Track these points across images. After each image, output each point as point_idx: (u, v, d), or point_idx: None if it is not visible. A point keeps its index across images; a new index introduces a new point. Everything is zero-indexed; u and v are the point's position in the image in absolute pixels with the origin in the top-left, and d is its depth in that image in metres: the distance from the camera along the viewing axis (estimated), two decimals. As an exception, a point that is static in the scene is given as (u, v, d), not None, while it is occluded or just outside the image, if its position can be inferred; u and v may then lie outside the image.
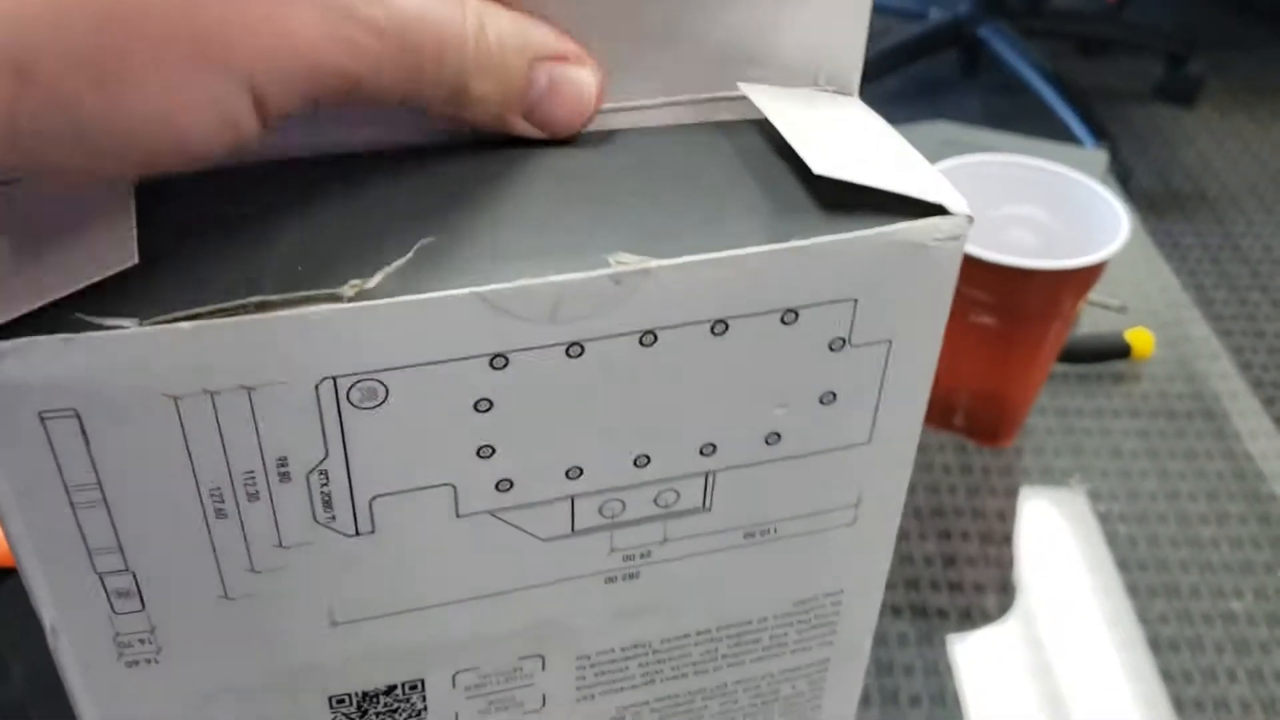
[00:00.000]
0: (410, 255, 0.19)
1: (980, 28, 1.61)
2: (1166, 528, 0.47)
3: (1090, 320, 0.59)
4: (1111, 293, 0.59)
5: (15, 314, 0.18)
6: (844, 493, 0.25)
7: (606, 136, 0.23)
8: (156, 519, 0.20)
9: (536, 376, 0.20)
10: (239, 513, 0.20)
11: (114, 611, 0.21)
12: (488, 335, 0.19)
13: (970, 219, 0.21)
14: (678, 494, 0.23)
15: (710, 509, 0.24)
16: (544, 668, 0.26)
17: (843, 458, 0.24)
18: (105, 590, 0.21)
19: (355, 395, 0.20)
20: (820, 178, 0.21)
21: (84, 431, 0.19)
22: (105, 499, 0.20)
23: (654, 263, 0.20)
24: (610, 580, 0.24)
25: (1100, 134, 1.23)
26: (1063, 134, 1.37)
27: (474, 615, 0.24)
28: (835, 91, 0.24)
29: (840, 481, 0.24)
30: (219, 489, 0.20)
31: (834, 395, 0.23)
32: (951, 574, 0.46)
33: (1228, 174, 1.23)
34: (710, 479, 0.23)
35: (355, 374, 0.19)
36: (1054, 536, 0.48)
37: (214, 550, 0.21)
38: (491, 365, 0.20)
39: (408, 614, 0.23)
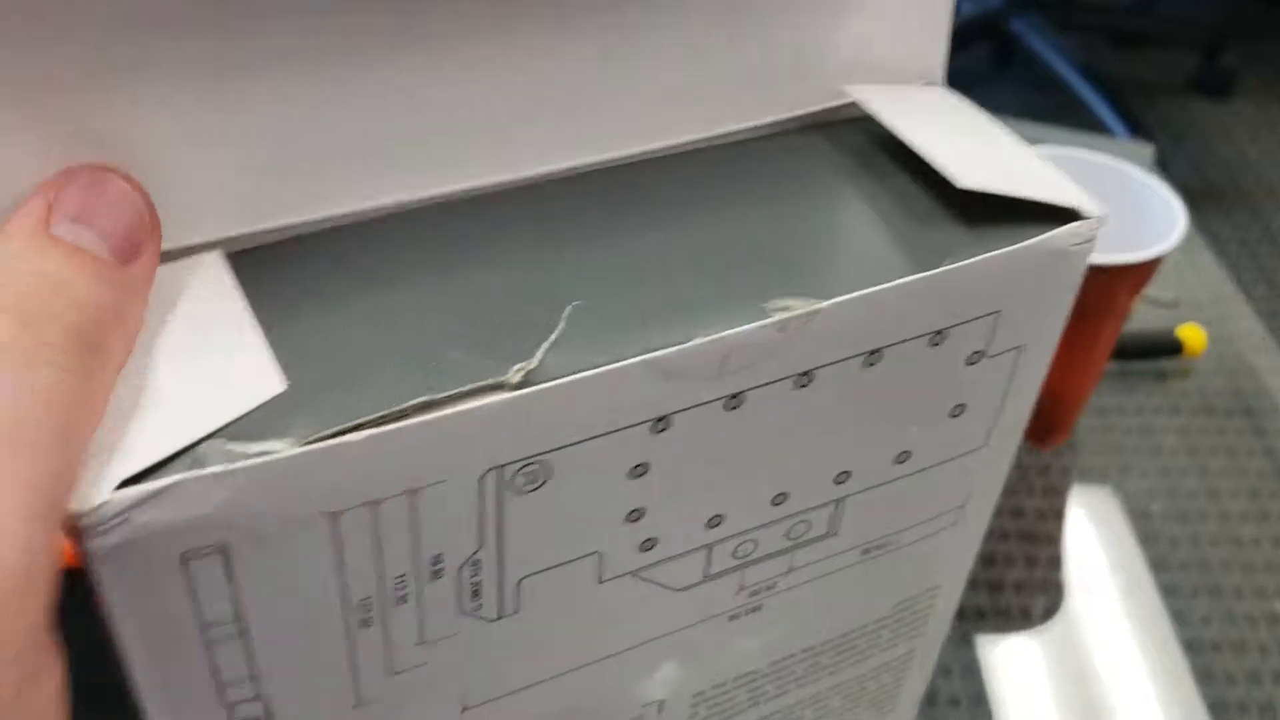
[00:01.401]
0: (563, 325, 0.18)
1: (1013, 21, 1.57)
2: (1207, 526, 0.47)
3: (1137, 316, 0.57)
4: (1160, 287, 0.57)
5: (152, 460, 0.15)
6: (956, 496, 0.24)
7: (705, 153, 0.21)
8: (297, 641, 0.18)
9: (694, 434, 0.19)
10: (384, 619, 0.18)
11: (239, 740, 0.19)
12: (653, 400, 0.18)
13: (1102, 219, 0.21)
14: (809, 525, 0.22)
15: (837, 533, 0.23)
16: (661, 711, 0.24)
17: (961, 464, 0.23)
18: (233, 720, 0.19)
19: (519, 481, 0.18)
20: (938, 181, 0.20)
21: (228, 567, 0.16)
22: (244, 632, 0.17)
23: (819, 305, 0.18)
24: (734, 617, 0.23)
25: (1135, 127, 1.20)
26: (1097, 128, 1.32)
27: (601, 675, 0.22)
28: (925, 83, 0.23)
29: (955, 486, 0.24)
30: (368, 599, 0.18)
31: (963, 407, 0.22)
32: (991, 574, 0.45)
33: (1264, 166, 1.19)
34: (840, 504, 0.22)
35: (520, 460, 0.17)
36: (1094, 536, 0.47)
37: (353, 660, 0.19)
38: (653, 430, 0.18)
39: (538, 685, 0.22)
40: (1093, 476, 0.50)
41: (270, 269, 0.18)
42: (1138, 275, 0.45)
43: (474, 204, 0.19)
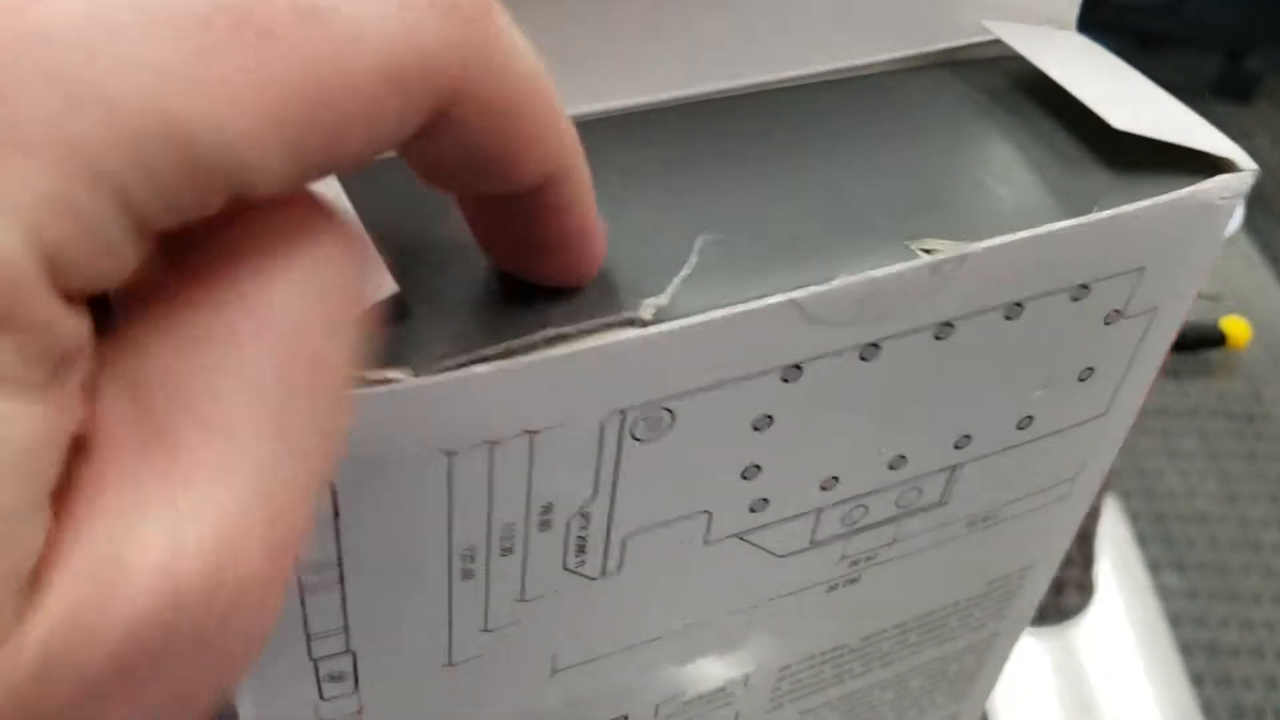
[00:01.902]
0: (695, 259, 0.16)
1: (1035, 19, 1.53)
2: (1227, 529, 0.46)
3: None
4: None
5: None
6: (1070, 467, 0.23)
7: (844, 84, 0.20)
8: (395, 592, 0.17)
9: (824, 385, 0.17)
10: (487, 572, 0.17)
11: (321, 698, 0.18)
12: (789, 344, 0.17)
13: (1256, 172, 0.19)
14: (920, 492, 0.21)
15: (946, 503, 0.21)
16: (746, 684, 0.23)
17: (1080, 433, 0.22)
18: (318, 676, 0.17)
19: (640, 428, 0.16)
20: (1084, 123, 0.18)
21: (335, 506, 0.15)
22: (342, 579, 0.16)
23: (972, 247, 0.17)
24: (831, 589, 0.22)
25: None
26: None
27: (692, 643, 0.21)
28: (1055, 25, 0.21)
29: (1070, 457, 0.22)
30: (472, 548, 0.17)
31: (1091, 371, 0.21)
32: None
33: (1285, 172, 1.24)
34: (955, 472, 0.21)
35: (644, 404, 0.16)
36: (1112, 536, 0.46)
37: (450, 615, 0.18)
38: (783, 378, 0.17)
39: (629, 650, 0.20)
40: (1113, 475, 0.49)
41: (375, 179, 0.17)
42: None
43: (602, 126, 0.18)
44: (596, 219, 0.15)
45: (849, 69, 0.20)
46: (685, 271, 0.16)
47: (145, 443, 0.10)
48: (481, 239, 0.15)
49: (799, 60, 0.20)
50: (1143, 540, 0.45)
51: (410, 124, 0.11)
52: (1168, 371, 0.54)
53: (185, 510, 0.10)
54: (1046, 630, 0.43)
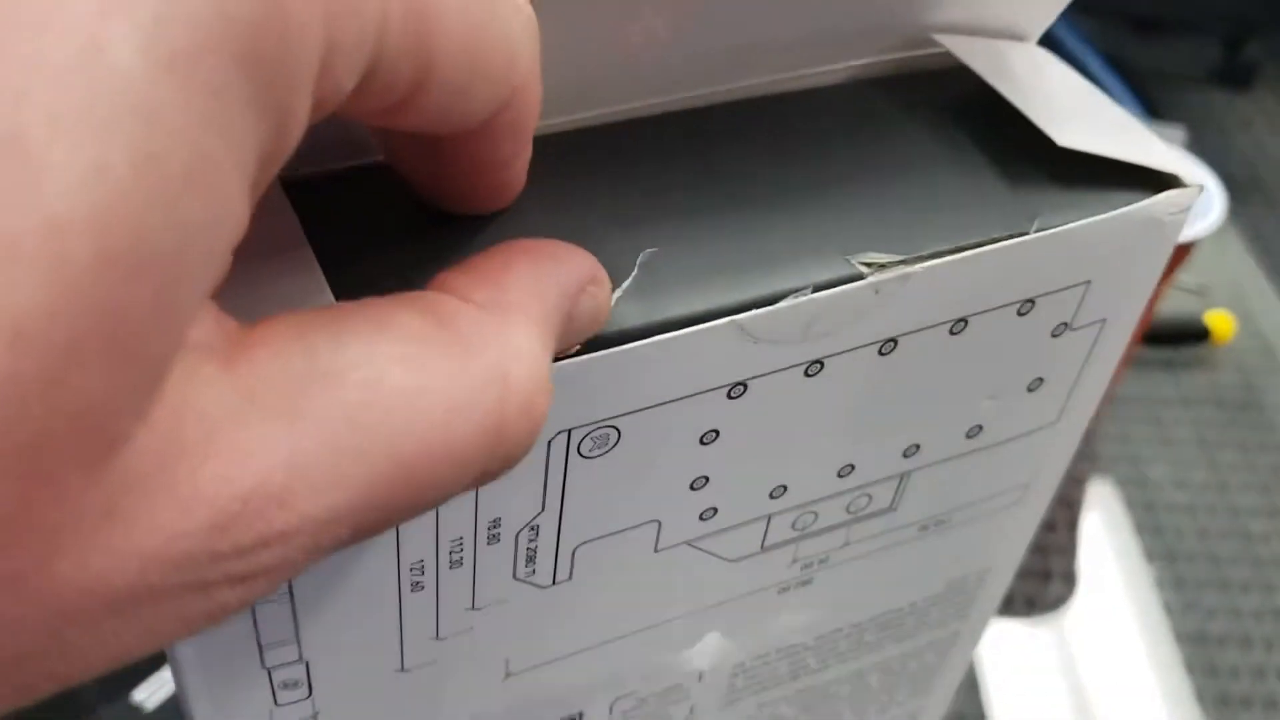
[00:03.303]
0: (636, 272, 0.16)
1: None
2: (1216, 520, 0.46)
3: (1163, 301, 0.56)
4: (1187, 273, 0.56)
5: None
6: (1021, 475, 0.23)
7: (791, 97, 0.20)
8: (344, 604, 0.17)
9: (770, 400, 0.18)
10: (436, 584, 0.17)
11: (276, 704, 0.18)
12: (734, 364, 0.17)
13: (1201, 188, 0.19)
14: (870, 498, 0.21)
15: (896, 509, 0.22)
16: (700, 680, 0.24)
17: (1031, 440, 0.22)
18: (271, 684, 0.18)
19: (586, 445, 0.17)
20: (1031, 138, 0.18)
21: (282, 523, 0.15)
22: (291, 592, 0.16)
23: (916, 267, 0.17)
24: (783, 590, 0.22)
25: (1155, 116, 1.17)
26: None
27: (646, 644, 0.21)
28: (1013, 39, 0.22)
29: (1021, 464, 0.23)
30: (420, 562, 0.17)
31: (1041, 380, 0.21)
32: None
33: (1284, 160, 1.21)
34: (904, 479, 0.21)
35: (591, 423, 0.16)
36: (1103, 526, 0.47)
37: (400, 624, 0.18)
38: (729, 395, 0.17)
39: (582, 653, 0.21)
40: (1103, 465, 0.49)
41: (330, 199, 0.17)
42: (1173, 258, 0.43)
43: (553, 140, 0.18)
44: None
45: (802, 76, 0.20)
46: (626, 284, 0.16)
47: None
48: (406, 168, 0.15)
49: (750, 71, 0.20)
50: (1133, 529, 0.46)
51: None
52: (1158, 362, 0.54)
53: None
54: (1035, 619, 0.43)
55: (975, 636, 0.28)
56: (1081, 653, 0.41)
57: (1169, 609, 0.43)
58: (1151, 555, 0.45)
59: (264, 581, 0.11)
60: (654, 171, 0.18)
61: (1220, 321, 0.55)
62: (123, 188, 0.08)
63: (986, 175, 0.19)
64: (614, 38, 0.18)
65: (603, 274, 0.15)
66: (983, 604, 0.27)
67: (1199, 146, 0.68)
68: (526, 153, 0.15)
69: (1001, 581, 0.27)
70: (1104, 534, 0.46)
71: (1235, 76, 1.30)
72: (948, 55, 0.20)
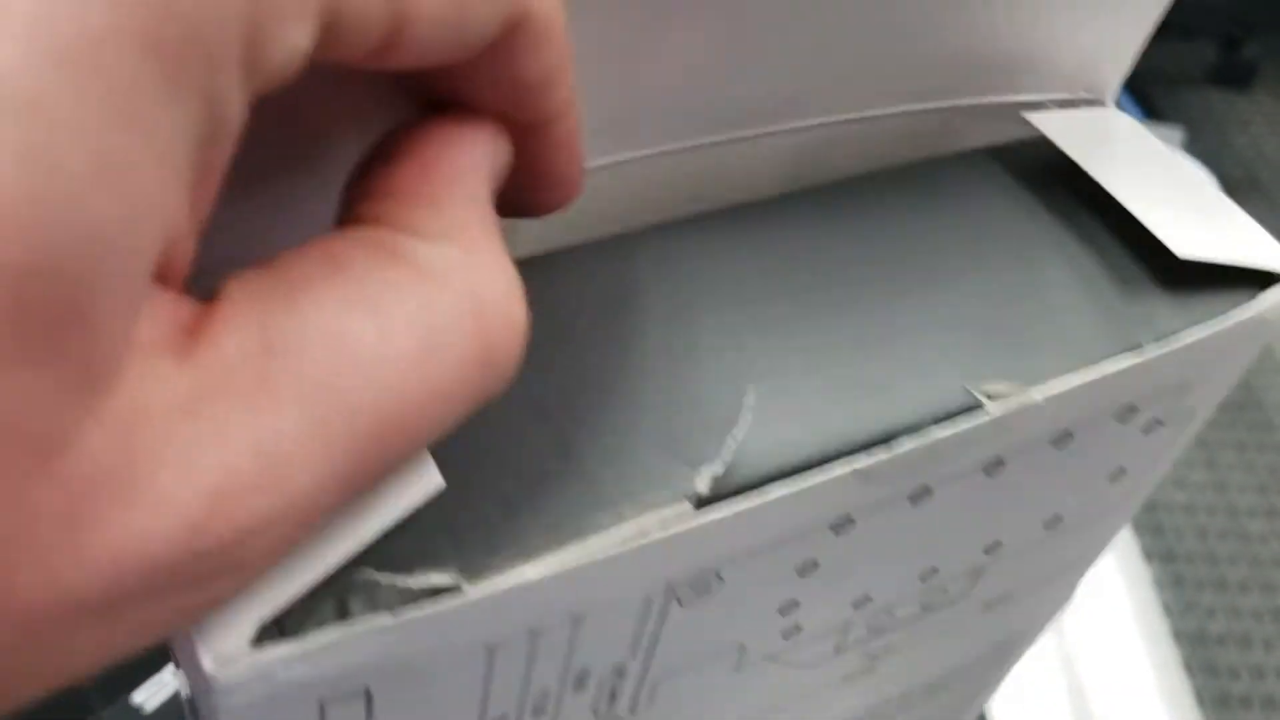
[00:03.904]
0: (749, 416, 0.15)
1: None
2: (1215, 520, 0.45)
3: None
4: None
5: (292, 596, 0.13)
6: (1089, 553, 0.22)
7: (889, 181, 0.18)
8: (422, 760, 0.16)
9: (874, 530, 0.17)
10: (517, 732, 0.16)
11: None
12: (845, 503, 0.16)
13: (1309, 282, 0.18)
14: (945, 591, 0.20)
15: (968, 597, 0.21)
16: (753, 764, 0.23)
17: (1102, 523, 0.21)
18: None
19: (686, 594, 0.15)
20: (1133, 229, 0.17)
21: (369, 708, 0.14)
22: (369, 755, 0.15)
23: (1038, 397, 0.16)
24: (847, 679, 0.21)
25: (1153, 116, 1.14)
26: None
27: (709, 744, 0.20)
28: (1091, 100, 0.20)
29: (1091, 545, 0.22)
30: (504, 715, 0.16)
31: (1123, 470, 0.20)
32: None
33: (1282, 160, 1.24)
34: (981, 570, 0.20)
35: (694, 574, 0.15)
36: None
37: (475, 772, 0.17)
38: (833, 529, 0.16)
39: (648, 764, 0.20)
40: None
41: None
42: None
43: (643, 240, 0.17)
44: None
45: (866, 118, 0.19)
46: (739, 432, 0.15)
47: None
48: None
49: (817, 108, 0.18)
50: (1133, 530, 0.46)
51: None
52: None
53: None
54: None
55: (1002, 676, 0.28)
56: (1081, 652, 0.41)
57: (1168, 609, 0.43)
58: (1151, 555, 0.45)
59: (261, 561, 0.10)
60: (756, 280, 0.16)
61: None
62: (14, 190, 0.08)
63: (1094, 277, 0.18)
64: (690, 63, 0.17)
65: (496, 125, 0.13)
66: (1019, 654, 0.26)
67: (1197, 146, 0.67)
68: (565, 75, 0.13)
69: (1037, 634, 0.26)
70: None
71: (1234, 77, 1.29)
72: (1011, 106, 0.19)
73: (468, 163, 0.12)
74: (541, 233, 0.16)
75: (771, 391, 0.15)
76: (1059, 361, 0.16)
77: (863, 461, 0.15)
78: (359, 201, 0.12)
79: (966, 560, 0.19)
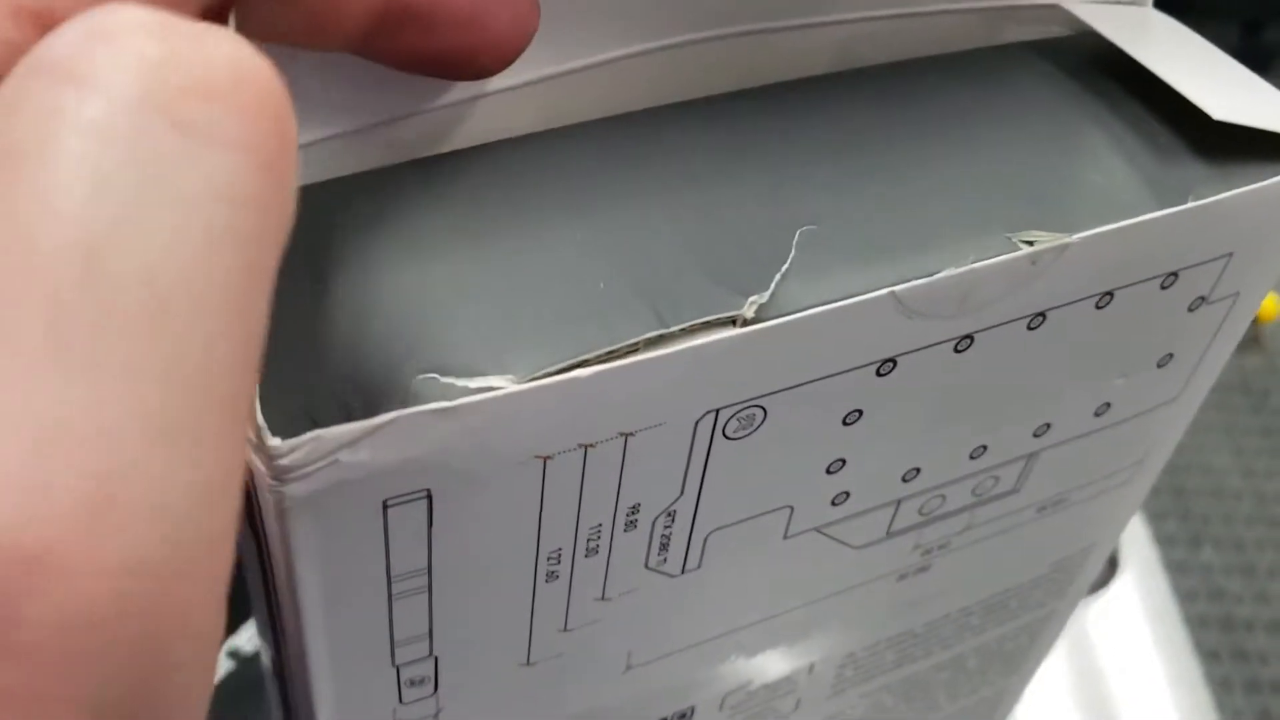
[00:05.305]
0: (795, 253, 0.16)
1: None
2: (1243, 506, 0.45)
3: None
4: None
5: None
6: (1138, 451, 0.22)
7: (929, 66, 0.19)
8: (480, 597, 0.16)
9: (917, 377, 0.17)
10: (571, 573, 0.17)
11: (400, 702, 0.17)
12: (887, 338, 0.16)
13: (1347, 151, 0.19)
14: (997, 480, 0.20)
15: (1019, 490, 0.21)
16: (810, 671, 0.23)
17: (1151, 418, 0.21)
18: (398, 682, 0.17)
19: (732, 426, 0.16)
20: (1173, 107, 0.18)
21: (430, 513, 0.15)
22: (430, 586, 0.16)
23: (1071, 238, 0.16)
24: (902, 577, 0.22)
25: None
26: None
27: (764, 634, 0.21)
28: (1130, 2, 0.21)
29: (1140, 442, 0.22)
30: (559, 550, 0.16)
31: (1171, 356, 0.20)
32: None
33: (1302, 144, 1.16)
34: (1031, 459, 0.20)
35: (739, 402, 0.16)
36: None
37: (531, 617, 0.17)
38: (878, 372, 0.16)
39: (701, 645, 0.20)
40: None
41: (448, 179, 0.16)
42: None
43: (692, 112, 0.17)
44: None
45: (910, 14, 0.19)
46: (785, 266, 0.15)
47: None
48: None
49: (860, 3, 0.19)
50: (1160, 515, 0.45)
51: None
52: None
53: None
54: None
55: (1066, 616, 0.27)
56: (1106, 638, 0.41)
57: (1195, 594, 0.42)
58: (1177, 540, 0.44)
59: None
60: (805, 145, 0.17)
61: (1265, 301, 0.55)
62: None
63: (1135, 147, 0.18)
64: None
65: None
66: (1080, 582, 0.26)
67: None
68: None
69: (1100, 558, 0.26)
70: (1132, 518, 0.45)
71: (1254, 59, 1.29)
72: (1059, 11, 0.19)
73: None
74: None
75: (816, 236, 0.16)
76: (1098, 220, 0.17)
77: (901, 287, 0.15)
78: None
79: (1017, 441, 0.20)
